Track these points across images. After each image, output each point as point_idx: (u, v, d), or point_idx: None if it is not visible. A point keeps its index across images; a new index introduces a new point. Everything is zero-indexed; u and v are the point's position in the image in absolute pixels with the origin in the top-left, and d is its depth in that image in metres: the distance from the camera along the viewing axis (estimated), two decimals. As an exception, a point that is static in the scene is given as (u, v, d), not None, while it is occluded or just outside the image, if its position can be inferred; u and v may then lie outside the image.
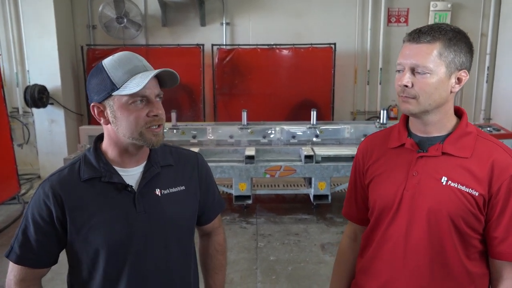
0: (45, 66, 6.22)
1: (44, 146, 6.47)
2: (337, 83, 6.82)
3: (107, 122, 1.19)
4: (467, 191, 1.15)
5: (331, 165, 4.61)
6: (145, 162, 1.27)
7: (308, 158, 4.62)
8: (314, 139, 5.19)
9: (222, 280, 1.52)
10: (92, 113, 1.20)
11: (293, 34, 6.86)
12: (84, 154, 1.26)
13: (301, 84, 6.76)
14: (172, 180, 1.30)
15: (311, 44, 6.67)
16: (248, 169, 4.60)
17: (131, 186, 1.23)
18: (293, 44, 6.67)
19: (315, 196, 4.75)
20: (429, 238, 1.19)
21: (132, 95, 1.14)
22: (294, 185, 5.74)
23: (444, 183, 1.18)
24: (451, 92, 1.19)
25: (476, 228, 1.18)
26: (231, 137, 5.18)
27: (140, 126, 1.17)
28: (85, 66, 6.63)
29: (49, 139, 6.43)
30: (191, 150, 1.44)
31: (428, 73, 1.15)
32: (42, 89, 6.08)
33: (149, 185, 1.25)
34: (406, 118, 1.32)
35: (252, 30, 6.95)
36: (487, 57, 7.01)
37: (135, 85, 1.13)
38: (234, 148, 5.00)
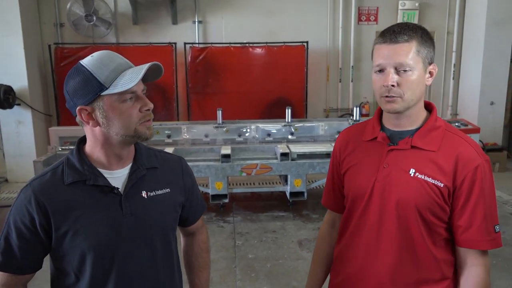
0: (11, 66, 5.99)
1: (11, 149, 6.25)
2: (310, 81, 6.90)
3: (96, 124, 1.16)
4: (433, 182, 1.21)
5: (306, 162, 4.66)
6: (130, 164, 1.26)
7: (284, 155, 4.65)
8: (289, 136, 5.23)
9: (207, 278, 1.53)
10: (79, 117, 1.16)
11: (266, 32, 6.88)
12: (67, 157, 1.22)
13: (274, 82, 6.80)
14: (157, 182, 1.29)
15: (284, 42, 6.71)
16: (224, 168, 4.59)
17: (118, 188, 1.21)
18: (266, 43, 6.70)
19: (291, 193, 4.79)
20: (399, 227, 1.26)
21: (122, 93, 1.12)
22: (270, 183, 5.77)
23: (412, 175, 1.24)
24: (427, 85, 1.27)
25: (442, 217, 1.24)
26: (206, 136, 5.16)
27: (134, 122, 1.16)
28: (53, 65, 6.44)
29: (17, 141, 6.22)
30: (174, 154, 1.45)
31: (410, 70, 1.21)
32: (8, 90, 5.86)
33: (136, 187, 1.24)
34: (380, 113, 1.38)
35: (225, 29, 6.93)
36: (453, 54, 7.24)
37: (128, 81, 1.12)
38: (209, 147, 4.98)
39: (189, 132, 5.15)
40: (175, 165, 1.38)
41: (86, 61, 1.15)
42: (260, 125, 5.25)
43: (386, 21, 7.13)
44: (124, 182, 1.23)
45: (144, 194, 1.24)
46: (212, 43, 6.75)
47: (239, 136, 5.20)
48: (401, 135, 1.29)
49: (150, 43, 6.54)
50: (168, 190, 1.30)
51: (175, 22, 6.84)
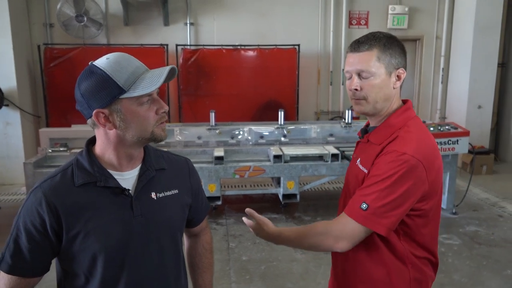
0: (-1, 66, 5.92)
1: (-1, 150, 6.16)
2: (301, 84, 6.94)
3: (113, 127, 1.15)
4: (362, 169, 1.40)
5: (299, 164, 4.68)
6: (139, 166, 1.26)
7: (277, 158, 4.66)
8: (282, 139, 5.24)
9: (211, 278, 1.54)
10: (95, 120, 1.15)
11: (257, 35, 6.91)
12: (76, 159, 1.22)
13: (266, 85, 6.82)
14: (166, 183, 1.29)
15: (276, 45, 6.74)
16: (218, 170, 4.59)
17: (129, 190, 1.20)
18: (258, 45, 6.72)
19: (284, 196, 4.81)
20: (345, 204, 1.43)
21: (139, 96, 1.13)
22: (262, 185, 5.78)
23: (357, 163, 1.46)
24: (394, 88, 1.40)
25: None
26: (199, 138, 5.15)
27: (152, 125, 1.17)
28: (42, 66, 6.36)
29: (5, 143, 6.13)
30: (180, 156, 1.45)
31: (371, 76, 1.35)
32: (-3, 90, 5.78)
33: (145, 188, 1.24)
34: None
35: (217, 31, 6.94)
36: (442, 58, 7.36)
37: (148, 84, 1.12)
38: (202, 149, 4.97)
39: (182, 134, 5.13)
40: (182, 166, 1.39)
41: (102, 64, 1.14)
42: (253, 128, 5.26)
43: (377, 25, 7.22)
44: (134, 183, 1.23)
45: (153, 195, 1.25)
46: (203, 45, 6.74)
47: (232, 138, 5.20)
48: (368, 131, 1.48)
49: (142, 44, 6.51)
50: (176, 191, 1.31)
51: (166, 23, 6.82)
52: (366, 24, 7.25)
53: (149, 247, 1.23)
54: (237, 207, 5.23)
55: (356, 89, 1.36)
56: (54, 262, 1.23)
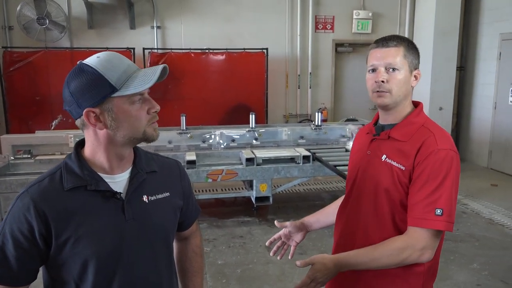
0: (-46, 70, 5.63)
1: (-45, 159, 5.82)
2: (270, 87, 6.99)
3: (103, 127, 1.12)
4: (397, 166, 1.41)
5: (271, 167, 4.71)
6: (130, 168, 1.22)
7: (249, 161, 4.67)
8: (254, 142, 5.26)
9: (201, 282, 1.50)
10: (86, 120, 1.11)
11: (225, 38, 6.91)
12: (65, 162, 1.17)
13: (235, 88, 6.83)
14: (157, 186, 1.27)
15: (244, 49, 6.76)
16: (190, 174, 4.53)
17: (120, 193, 1.17)
18: (226, 49, 6.72)
19: (257, 198, 4.82)
20: (371, 199, 1.48)
21: (131, 95, 1.10)
22: (234, 189, 5.77)
23: (383, 160, 1.46)
24: (412, 87, 1.49)
25: (401, 194, 1.41)
26: (169, 142, 5.08)
27: (143, 124, 1.15)
28: (1, 70, 6.09)
29: (-39, 151, 5.81)
30: (171, 158, 1.42)
31: (398, 70, 1.43)
32: (-48, 96, 5.48)
33: (137, 191, 1.21)
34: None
35: (185, 34, 6.89)
36: (404, 62, 7.60)
37: (141, 83, 1.10)
38: (173, 154, 4.90)
39: (152, 138, 5.04)
40: (173, 169, 1.36)
41: (92, 62, 1.11)
42: (224, 131, 5.24)
43: (342, 29, 7.40)
44: (125, 186, 1.20)
45: (145, 198, 1.22)
46: (171, 49, 6.68)
47: (204, 142, 5.16)
48: (384, 128, 1.51)
49: (107, 48, 6.35)
50: (167, 194, 1.28)
51: (133, 27, 6.71)
52: (332, 28, 7.40)
53: (141, 251, 1.20)
54: (210, 211, 5.19)
55: (383, 81, 1.42)
56: (41, 270, 1.18)
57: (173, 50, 6.65)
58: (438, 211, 1.31)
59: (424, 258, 1.34)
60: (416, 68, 1.47)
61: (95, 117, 1.11)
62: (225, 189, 5.76)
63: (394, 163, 1.41)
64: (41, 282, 1.21)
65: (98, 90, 1.09)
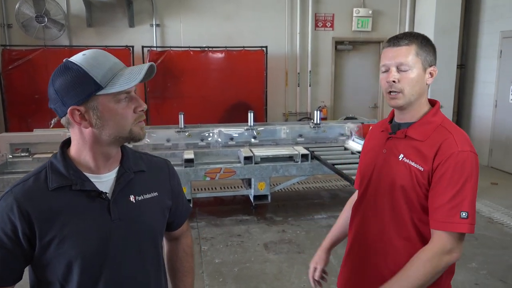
0: (-47, 68, 5.62)
1: (-46, 157, 5.82)
2: (269, 85, 6.98)
3: (88, 125, 1.11)
4: (416, 166, 1.40)
5: (270, 165, 4.70)
6: (117, 168, 1.21)
7: (247, 159, 4.66)
8: (252, 140, 5.24)
9: (192, 282, 1.49)
10: (70, 118, 1.10)
11: (225, 37, 6.89)
12: (50, 162, 1.15)
13: (234, 87, 6.81)
14: (145, 186, 1.25)
15: (243, 47, 6.74)
16: (188, 172, 4.53)
17: (106, 193, 1.16)
18: (226, 47, 6.70)
19: (255, 197, 4.80)
20: (388, 198, 1.47)
21: (117, 93, 1.09)
22: (232, 187, 5.76)
23: (400, 159, 1.44)
24: (427, 84, 1.45)
25: (420, 194, 1.41)
26: (168, 140, 5.07)
27: (130, 123, 1.13)
28: (0, 68, 6.09)
29: (-40, 149, 5.81)
30: (160, 157, 1.40)
31: (409, 69, 1.40)
32: (-49, 94, 5.48)
33: (123, 191, 1.19)
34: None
35: (184, 32, 6.87)
36: (404, 60, 7.57)
37: (127, 81, 1.08)
38: (172, 152, 4.89)
39: (150, 137, 5.04)
40: (162, 168, 1.34)
41: (78, 59, 1.09)
42: (223, 129, 5.23)
43: (342, 27, 7.37)
44: (111, 186, 1.18)
45: (132, 198, 1.20)
46: (170, 47, 6.66)
47: (202, 140, 5.15)
48: (401, 126, 1.49)
49: (106, 46, 6.34)
50: (156, 194, 1.26)
51: (132, 25, 6.69)
52: (332, 26, 7.38)
53: (128, 252, 1.18)
54: (208, 209, 5.18)
55: (394, 81, 1.40)
56: (27, 270, 1.17)
57: (172, 48, 6.63)
58: (464, 214, 1.31)
59: (453, 259, 1.36)
60: (432, 65, 1.44)
61: (80, 115, 1.09)
62: (224, 188, 5.75)
63: (413, 164, 1.40)
64: (28, 282, 1.20)
65: (83, 87, 1.07)
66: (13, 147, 4.72)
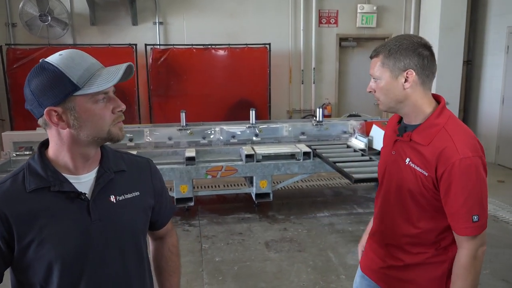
0: (-42, 68, 5.67)
1: (-41, 155, 5.89)
2: (273, 83, 6.94)
3: (66, 126, 1.10)
4: (420, 171, 1.46)
5: (271, 163, 4.67)
6: (97, 168, 1.20)
7: (249, 157, 4.64)
8: (254, 138, 5.22)
9: (178, 281, 1.49)
10: (47, 119, 1.09)
11: (228, 34, 6.87)
12: (28, 163, 1.15)
13: (237, 84, 6.79)
14: (126, 186, 1.24)
15: (246, 44, 6.72)
16: (189, 170, 4.53)
17: (85, 194, 1.15)
18: (229, 44, 6.68)
19: (257, 195, 4.79)
20: (397, 200, 1.58)
21: (95, 94, 1.08)
22: (235, 185, 5.75)
23: (407, 163, 1.51)
24: (405, 89, 1.46)
25: (427, 197, 1.48)
26: (170, 138, 5.07)
27: (108, 124, 1.12)
28: (5, 67, 6.13)
29: (-34, 148, 5.87)
30: (141, 156, 1.40)
31: (378, 79, 1.50)
32: (-44, 93, 5.54)
33: (103, 191, 1.18)
34: None
35: (187, 30, 6.86)
36: (410, 56, 7.49)
37: (104, 81, 1.08)
38: (173, 150, 4.90)
39: (152, 135, 5.04)
40: (143, 168, 1.33)
41: (54, 60, 1.08)
42: (225, 127, 5.22)
43: (346, 24, 7.31)
44: (91, 187, 1.17)
45: (112, 198, 1.19)
46: (173, 45, 6.65)
47: (204, 138, 5.14)
48: (408, 129, 1.54)
49: (109, 44, 6.37)
50: (137, 193, 1.26)
51: (135, 23, 6.70)
52: (336, 23, 7.32)
53: (109, 252, 1.18)
54: (210, 207, 5.17)
55: (370, 91, 1.53)
56: (9, 273, 1.17)
57: (175, 46, 6.63)
58: (475, 217, 1.40)
59: (484, 252, 1.46)
60: (406, 69, 1.44)
61: (57, 116, 1.09)
62: (227, 186, 5.75)
63: (418, 168, 1.46)
64: (9, 284, 1.20)
65: (60, 88, 1.06)
66: (16, 145, 4.75)
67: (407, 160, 1.50)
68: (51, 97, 1.07)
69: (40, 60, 1.11)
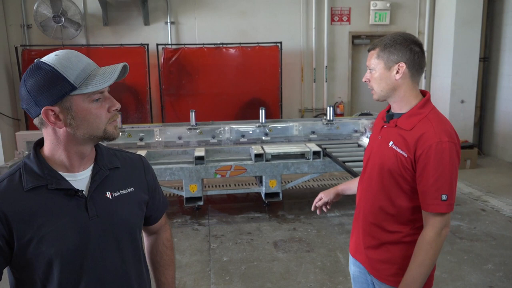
0: (-25, 69, 5.80)
1: (-23, 155, 6.03)
2: (285, 81, 6.90)
3: (62, 125, 1.12)
4: (401, 152, 1.61)
5: (281, 162, 4.65)
6: (92, 166, 1.23)
7: (258, 156, 4.62)
8: (264, 137, 5.20)
9: (173, 275, 1.53)
10: (44, 118, 1.11)
11: (239, 33, 6.86)
12: (24, 162, 1.17)
13: (249, 83, 6.77)
14: (121, 182, 1.28)
15: (258, 43, 6.69)
16: (198, 170, 4.54)
17: (82, 191, 1.18)
18: (240, 43, 6.66)
19: (267, 194, 4.77)
20: (379, 180, 1.70)
21: (91, 93, 1.11)
22: (245, 184, 5.74)
23: (390, 146, 1.65)
24: (396, 79, 1.62)
25: (405, 177, 1.62)
26: (179, 138, 5.09)
27: (104, 123, 1.15)
28: (20, 68, 6.24)
29: (-17, 147, 6.01)
30: (134, 153, 1.43)
31: (373, 70, 1.67)
32: (-27, 94, 5.66)
33: (100, 188, 1.21)
34: None
35: (198, 29, 6.87)
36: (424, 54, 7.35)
37: (101, 81, 1.10)
38: (183, 149, 4.91)
39: (162, 134, 5.07)
40: (136, 164, 1.37)
41: (50, 60, 1.10)
42: (234, 126, 5.21)
43: (359, 21, 7.22)
44: (87, 184, 1.20)
45: (108, 194, 1.23)
46: (185, 44, 6.67)
47: (213, 137, 5.14)
48: (394, 116, 1.70)
49: (122, 44, 6.43)
50: (132, 189, 1.29)
51: (147, 23, 6.74)
52: (348, 20, 7.23)
53: (107, 248, 1.21)
54: (221, 207, 5.18)
55: (365, 81, 1.70)
56: (6, 272, 1.19)
57: (186, 46, 6.65)
58: (444, 196, 1.54)
59: (446, 233, 1.58)
60: (398, 62, 1.61)
61: (54, 115, 1.11)
62: (237, 185, 5.74)
63: (399, 150, 1.61)
64: (7, 283, 1.21)
65: (57, 88, 1.08)
66: (30, 144, 4.84)
67: (391, 143, 1.65)
68: (48, 97, 1.09)
69: (36, 60, 1.13)
